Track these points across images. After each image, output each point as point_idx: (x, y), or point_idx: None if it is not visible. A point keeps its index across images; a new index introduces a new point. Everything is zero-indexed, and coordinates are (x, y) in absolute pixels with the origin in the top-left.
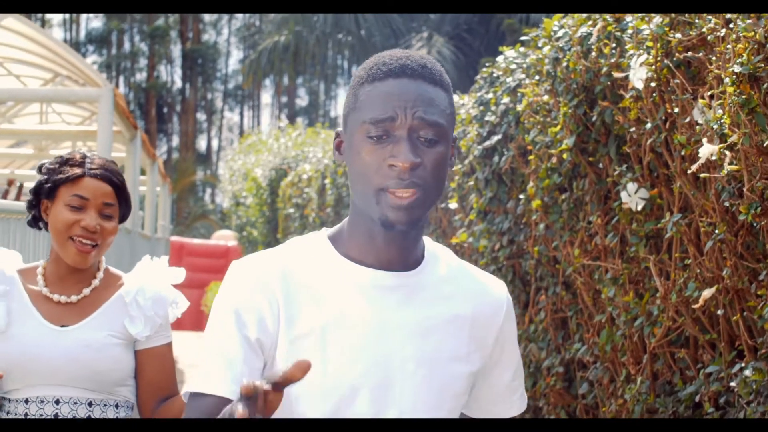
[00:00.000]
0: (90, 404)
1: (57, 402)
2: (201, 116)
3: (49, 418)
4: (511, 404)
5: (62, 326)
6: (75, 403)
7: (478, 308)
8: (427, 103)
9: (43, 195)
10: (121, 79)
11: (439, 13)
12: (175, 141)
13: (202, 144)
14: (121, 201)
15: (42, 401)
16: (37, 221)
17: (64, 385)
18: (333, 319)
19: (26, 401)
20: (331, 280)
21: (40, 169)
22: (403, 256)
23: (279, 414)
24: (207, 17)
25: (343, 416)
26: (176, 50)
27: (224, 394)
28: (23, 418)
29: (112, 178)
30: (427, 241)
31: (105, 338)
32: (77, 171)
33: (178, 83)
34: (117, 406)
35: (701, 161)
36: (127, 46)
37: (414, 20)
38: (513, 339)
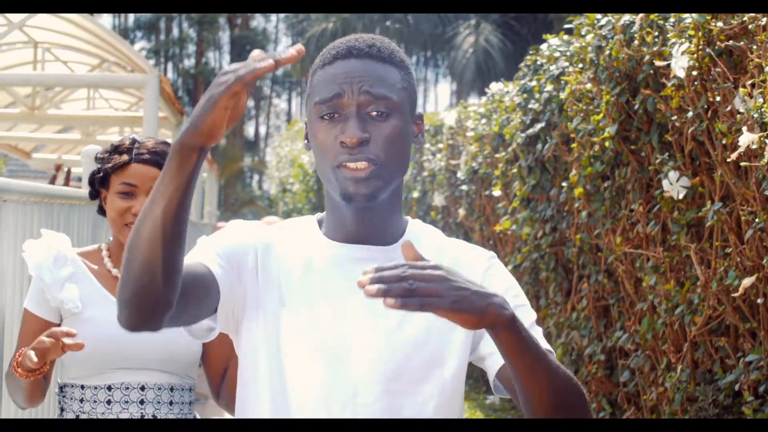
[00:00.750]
0: (172, 389)
1: (142, 388)
2: (249, 102)
3: (127, 417)
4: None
5: None
6: (159, 389)
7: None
8: (374, 79)
9: (98, 185)
10: (170, 65)
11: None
12: None
13: (250, 131)
14: None
15: (127, 387)
16: (103, 211)
17: (146, 369)
18: (298, 289)
19: (109, 388)
20: (305, 253)
21: (96, 158)
22: (374, 232)
23: (252, 369)
24: None
25: (301, 382)
26: (225, 36)
27: (202, 260)
28: (106, 405)
29: (160, 160)
30: (415, 222)
31: None
32: (125, 158)
33: None
34: (190, 389)
35: (741, 149)
36: (175, 32)
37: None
38: (509, 290)
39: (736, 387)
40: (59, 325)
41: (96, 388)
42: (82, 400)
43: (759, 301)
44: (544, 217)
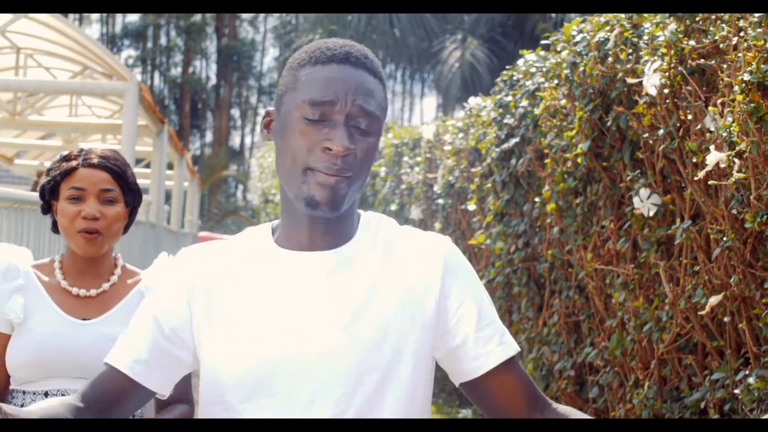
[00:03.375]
0: None
1: None
2: (235, 112)
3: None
4: (490, 353)
5: (83, 319)
6: None
7: (410, 273)
8: (367, 92)
9: (47, 196)
10: (156, 73)
11: (473, 16)
12: (209, 137)
13: (236, 140)
14: (123, 186)
15: (63, 394)
16: (56, 226)
17: (85, 378)
18: (251, 302)
19: (46, 394)
20: (255, 266)
21: (46, 172)
22: (327, 239)
23: (207, 396)
24: (244, 14)
25: (261, 395)
26: (212, 46)
27: (120, 367)
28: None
29: (107, 164)
30: (367, 216)
31: None
32: (73, 164)
33: (213, 79)
34: None
35: (707, 168)
36: (163, 40)
37: (448, 22)
38: (465, 289)
39: (702, 405)
40: (10, 336)
41: (35, 393)
42: (22, 406)
43: (726, 319)
44: (517, 232)
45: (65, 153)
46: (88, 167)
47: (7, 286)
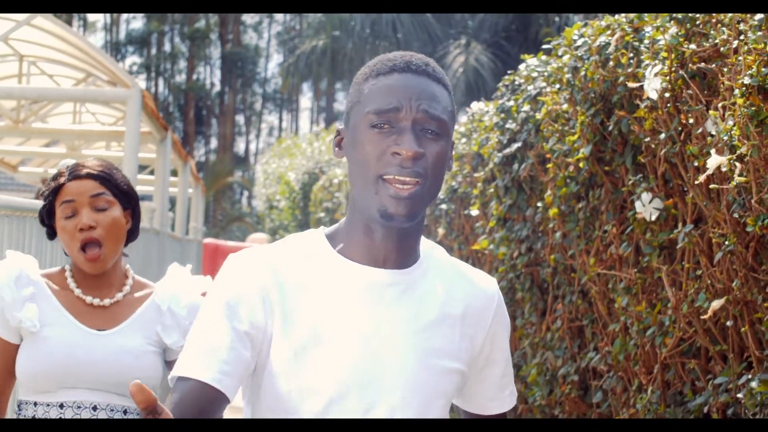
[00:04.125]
0: (125, 412)
1: (94, 408)
2: (240, 119)
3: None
4: (502, 401)
5: (98, 330)
6: (112, 410)
7: (469, 306)
8: (430, 97)
9: (47, 219)
10: (161, 80)
11: (476, 20)
12: (214, 143)
13: (241, 147)
14: (112, 189)
15: (79, 406)
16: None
17: (101, 390)
18: (326, 317)
19: (61, 406)
20: (325, 278)
21: (40, 197)
22: (400, 254)
23: (273, 412)
24: (248, 20)
25: (334, 413)
26: (216, 52)
27: (206, 380)
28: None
29: (92, 172)
30: (424, 242)
31: (142, 345)
32: (60, 181)
33: (218, 86)
34: None
35: (708, 172)
36: (167, 47)
37: (452, 27)
38: (504, 336)
39: (706, 409)
40: (19, 345)
41: (48, 405)
42: (34, 417)
43: (729, 323)
44: (519, 237)
45: (54, 173)
46: (74, 179)
47: (19, 294)
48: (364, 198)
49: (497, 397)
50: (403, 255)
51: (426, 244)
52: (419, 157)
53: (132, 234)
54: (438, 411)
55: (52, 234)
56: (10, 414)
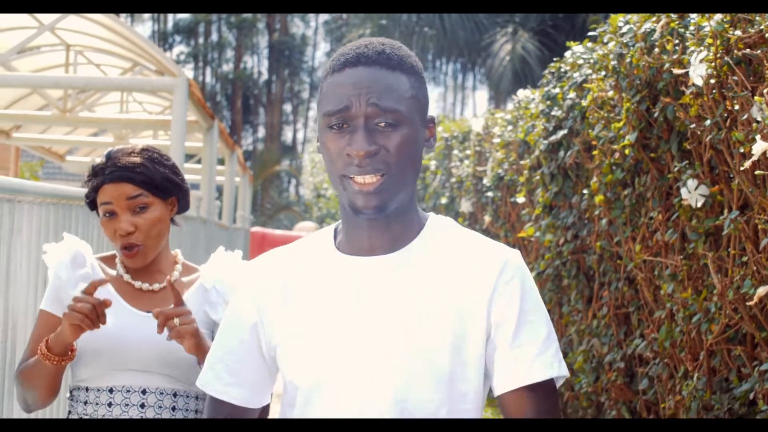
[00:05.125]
0: (175, 395)
1: (143, 392)
2: (287, 108)
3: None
4: (514, 376)
5: (148, 312)
6: (161, 393)
7: (467, 277)
8: (382, 89)
9: (92, 208)
10: (208, 69)
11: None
12: (261, 132)
13: (288, 136)
14: (150, 188)
15: (128, 390)
16: None
17: (150, 372)
18: (311, 311)
19: (111, 390)
20: (319, 272)
21: (83, 184)
22: (386, 241)
23: (285, 405)
24: None
25: (316, 402)
26: (263, 41)
27: (215, 394)
28: (107, 407)
29: (127, 174)
30: (434, 218)
31: None
32: (99, 180)
33: (265, 75)
34: (197, 398)
35: (754, 158)
36: (214, 36)
37: (499, 15)
38: (515, 305)
39: (751, 396)
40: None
41: (99, 390)
42: (86, 403)
43: None
44: (565, 224)
45: (95, 164)
46: (111, 182)
47: (74, 273)
48: (338, 193)
49: (508, 371)
50: (390, 241)
51: (437, 222)
52: (373, 154)
53: (182, 210)
54: (425, 393)
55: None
56: (63, 401)
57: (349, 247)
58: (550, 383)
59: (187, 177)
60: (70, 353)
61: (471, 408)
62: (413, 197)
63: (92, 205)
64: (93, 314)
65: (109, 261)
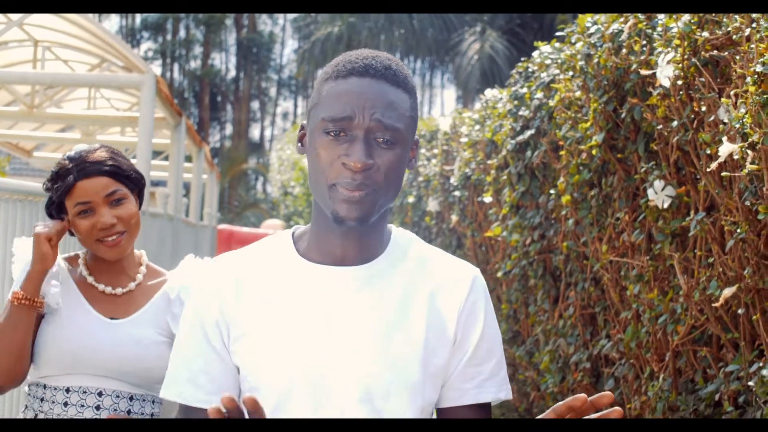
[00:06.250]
0: (131, 398)
1: (100, 394)
2: (255, 105)
3: (88, 411)
4: (463, 392)
5: (111, 318)
6: (117, 396)
7: (436, 292)
8: (386, 105)
9: (56, 214)
10: (176, 66)
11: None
12: (229, 129)
13: (255, 133)
14: (124, 181)
15: (84, 392)
16: (72, 233)
17: (108, 377)
18: (278, 318)
19: (67, 390)
20: (282, 279)
21: (45, 190)
22: (358, 252)
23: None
24: None
25: (284, 412)
26: (231, 38)
27: (187, 401)
28: (62, 407)
29: (102, 167)
30: (397, 231)
31: (153, 335)
32: (69, 180)
33: (233, 72)
34: (153, 402)
35: (720, 160)
36: (182, 33)
37: (467, 14)
38: (479, 325)
39: (717, 397)
40: (42, 318)
41: (56, 389)
42: (42, 400)
43: (740, 311)
44: (532, 224)
45: (57, 168)
46: (85, 178)
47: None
48: (319, 200)
49: (455, 386)
50: (362, 252)
51: (401, 235)
52: (368, 168)
53: (140, 205)
54: (398, 404)
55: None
56: (21, 393)
57: (318, 256)
58: (489, 404)
59: (154, 174)
60: (39, 301)
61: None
62: (387, 214)
63: (59, 208)
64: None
65: (72, 262)
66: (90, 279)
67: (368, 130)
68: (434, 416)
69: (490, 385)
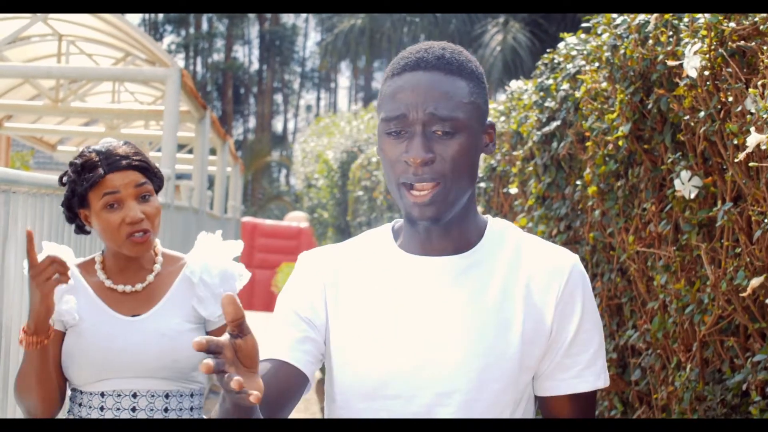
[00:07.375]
0: (167, 396)
1: (134, 396)
2: (278, 98)
3: (124, 412)
4: (560, 382)
5: (133, 316)
6: (152, 396)
7: (534, 280)
8: (439, 97)
9: (76, 207)
10: (199, 59)
11: None
12: (252, 122)
13: (279, 125)
14: (151, 177)
15: (119, 395)
16: (82, 229)
17: (140, 377)
18: (378, 309)
19: (102, 395)
20: (382, 271)
21: (61, 182)
22: (448, 244)
23: (337, 404)
24: None
25: (381, 397)
26: (254, 31)
27: (283, 358)
28: (99, 411)
29: (132, 161)
30: (494, 222)
31: (178, 324)
32: (99, 172)
33: (256, 64)
34: (192, 395)
35: (748, 150)
36: (205, 26)
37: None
38: (576, 315)
39: (744, 387)
40: (64, 334)
41: (91, 394)
42: (80, 405)
43: (767, 301)
44: (558, 215)
45: (80, 161)
46: (117, 171)
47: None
48: (395, 199)
49: (556, 377)
50: (454, 242)
51: (497, 222)
52: (429, 162)
53: None
54: (493, 395)
55: (72, 219)
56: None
57: (412, 247)
58: (593, 392)
59: (179, 167)
60: (50, 332)
61: (522, 412)
62: (472, 202)
63: (81, 201)
64: (53, 269)
65: (87, 267)
66: (108, 283)
67: (425, 124)
68: (530, 407)
69: (588, 375)
